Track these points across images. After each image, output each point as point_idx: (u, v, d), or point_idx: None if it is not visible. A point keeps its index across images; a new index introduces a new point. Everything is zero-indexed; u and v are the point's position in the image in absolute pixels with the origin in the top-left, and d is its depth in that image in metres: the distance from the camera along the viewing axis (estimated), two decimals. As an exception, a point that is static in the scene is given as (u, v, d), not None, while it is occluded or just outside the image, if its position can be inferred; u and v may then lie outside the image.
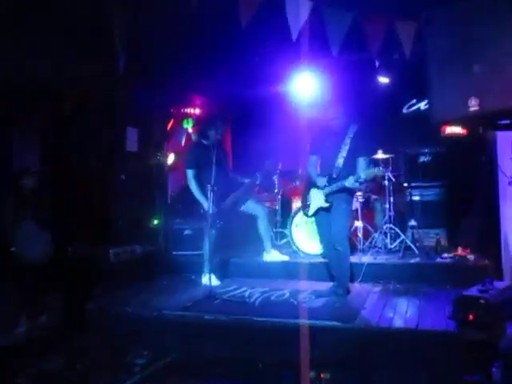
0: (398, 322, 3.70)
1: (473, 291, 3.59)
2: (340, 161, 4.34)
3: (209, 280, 4.75)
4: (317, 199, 4.50)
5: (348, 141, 4.34)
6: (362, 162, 4.30)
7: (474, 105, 3.29)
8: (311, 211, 4.60)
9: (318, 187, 4.49)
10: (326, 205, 4.41)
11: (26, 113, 4.91)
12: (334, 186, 4.31)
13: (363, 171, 4.11)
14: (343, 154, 4.33)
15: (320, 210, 4.50)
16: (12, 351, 3.79)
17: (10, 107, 4.72)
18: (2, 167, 4.84)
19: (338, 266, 4.51)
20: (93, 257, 5.06)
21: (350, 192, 4.51)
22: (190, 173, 5.18)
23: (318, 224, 4.65)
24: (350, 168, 4.30)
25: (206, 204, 4.85)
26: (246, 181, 5.33)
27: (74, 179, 5.22)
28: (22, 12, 3.92)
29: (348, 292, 4.48)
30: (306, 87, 6.34)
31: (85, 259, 4.99)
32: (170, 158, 6.88)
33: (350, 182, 4.17)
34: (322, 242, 4.74)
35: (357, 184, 4.17)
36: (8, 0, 3.81)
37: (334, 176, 4.35)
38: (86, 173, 5.31)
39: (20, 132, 5.04)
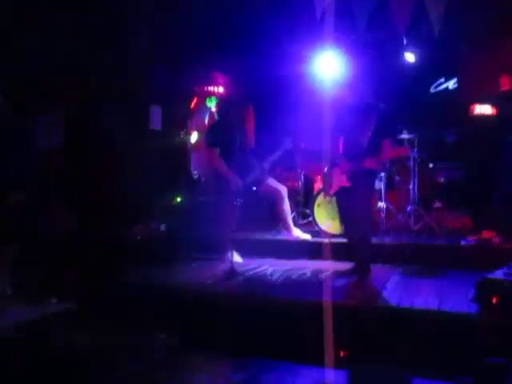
0: (419, 304, 3.68)
1: (497, 274, 3.54)
2: (364, 141, 4.28)
3: (231, 257, 4.81)
4: (338, 179, 4.48)
5: (373, 121, 4.27)
6: (386, 143, 4.24)
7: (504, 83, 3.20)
8: (332, 191, 4.58)
9: (339, 167, 4.45)
10: (347, 184, 4.39)
11: (50, 97, 4.98)
12: (356, 166, 4.27)
13: None
14: (367, 134, 4.27)
15: (341, 189, 4.48)
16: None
17: (35, 94, 4.80)
18: (28, 149, 4.94)
19: (359, 246, 4.50)
20: (117, 234, 5.16)
21: (373, 172, 4.46)
22: (212, 151, 5.22)
23: (340, 204, 4.64)
24: (373, 149, 4.24)
25: (234, 178, 4.95)
26: (264, 163, 5.36)
27: (98, 159, 5.29)
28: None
29: (369, 272, 4.47)
30: (329, 66, 6.23)
31: (109, 237, 5.09)
32: (194, 137, 6.91)
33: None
34: (343, 221, 4.73)
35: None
36: None
37: (357, 156, 4.31)
38: (109, 152, 5.37)
39: (45, 115, 5.12)
